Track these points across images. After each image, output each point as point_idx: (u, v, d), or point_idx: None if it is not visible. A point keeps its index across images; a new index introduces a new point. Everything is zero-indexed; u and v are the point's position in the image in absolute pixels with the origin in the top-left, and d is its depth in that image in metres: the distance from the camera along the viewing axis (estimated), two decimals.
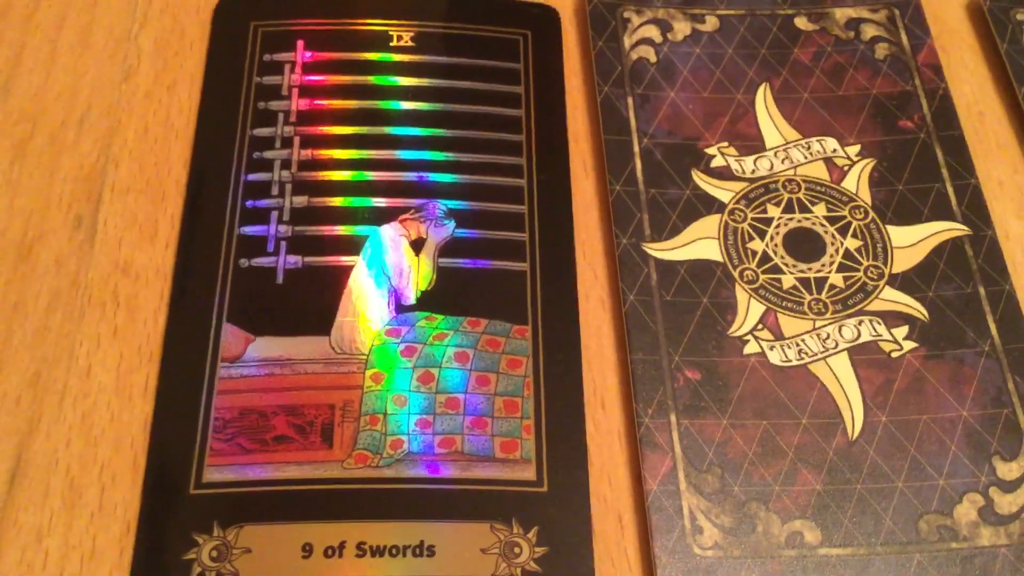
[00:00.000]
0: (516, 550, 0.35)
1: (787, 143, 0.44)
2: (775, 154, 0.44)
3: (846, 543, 0.36)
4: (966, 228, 0.42)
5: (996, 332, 0.40)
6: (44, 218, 0.41)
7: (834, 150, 0.44)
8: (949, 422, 0.38)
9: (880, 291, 0.41)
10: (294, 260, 0.40)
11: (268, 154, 0.43)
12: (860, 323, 0.40)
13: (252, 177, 0.42)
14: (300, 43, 0.46)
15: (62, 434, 0.37)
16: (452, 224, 0.42)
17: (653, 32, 0.47)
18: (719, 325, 0.40)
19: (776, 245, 0.42)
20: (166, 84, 0.45)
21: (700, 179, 0.43)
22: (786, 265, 0.41)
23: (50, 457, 0.37)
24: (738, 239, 0.42)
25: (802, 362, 0.39)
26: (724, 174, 0.44)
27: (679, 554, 0.36)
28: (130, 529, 0.35)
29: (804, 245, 0.42)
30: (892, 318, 0.40)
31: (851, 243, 0.42)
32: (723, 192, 0.43)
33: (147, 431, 0.37)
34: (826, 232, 0.42)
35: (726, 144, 0.44)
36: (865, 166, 0.44)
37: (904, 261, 0.42)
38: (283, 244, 0.41)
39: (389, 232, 0.42)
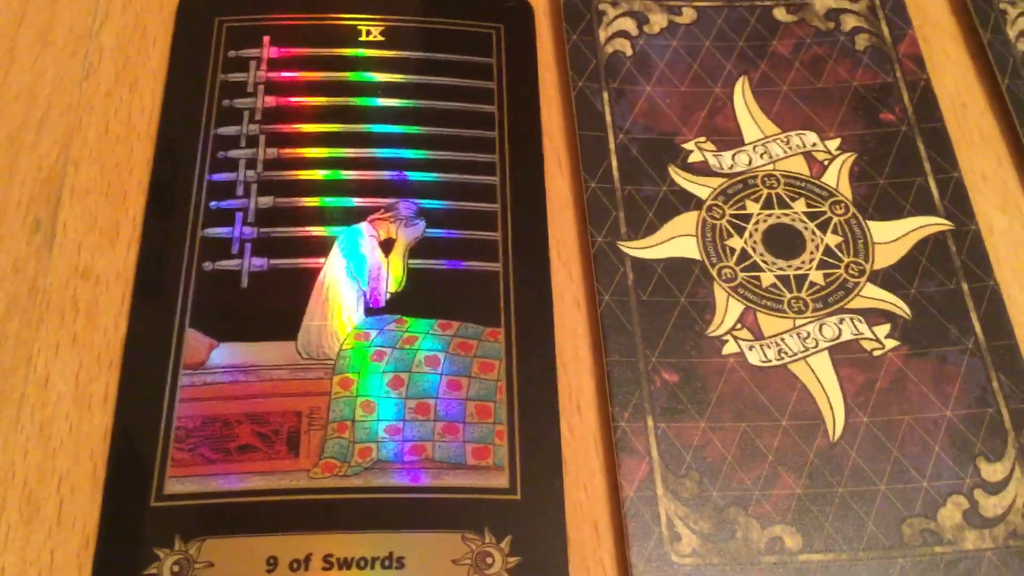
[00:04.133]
0: (489, 560, 0.34)
1: (766, 137, 0.43)
2: (754, 148, 0.43)
3: (828, 548, 0.35)
4: (949, 223, 0.41)
5: (980, 329, 0.39)
6: (1, 221, 0.40)
7: (814, 144, 0.43)
8: (932, 422, 0.37)
9: (861, 288, 0.40)
10: (260, 263, 0.39)
11: (233, 153, 0.41)
12: (841, 321, 0.39)
13: (216, 177, 0.41)
14: (266, 39, 0.44)
15: (19, 445, 0.36)
16: (422, 224, 0.41)
17: (629, 25, 0.46)
18: (697, 325, 0.39)
19: (755, 242, 0.41)
20: (128, 82, 0.44)
21: (677, 175, 0.42)
22: (765, 263, 0.40)
23: (7, 469, 0.35)
24: (716, 236, 0.41)
25: (782, 362, 0.38)
26: (702, 170, 0.43)
27: (657, 562, 0.35)
28: (89, 543, 0.34)
29: (784, 242, 0.41)
30: (874, 316, 0.39)
31: (831, 239, 0.41)
32: (701, 188, 0.42)
33: (107, 441, 0.36)
34: (806, 228, 0.41)
35: (704, 139, 0.43)
36: (846, 160, 0.43)
37: (886, 257, 0.41)
38: (248, 246, 0.39)
39: (359, 232, 0.40)
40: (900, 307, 0.40)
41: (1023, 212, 0.43)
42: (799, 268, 0.40)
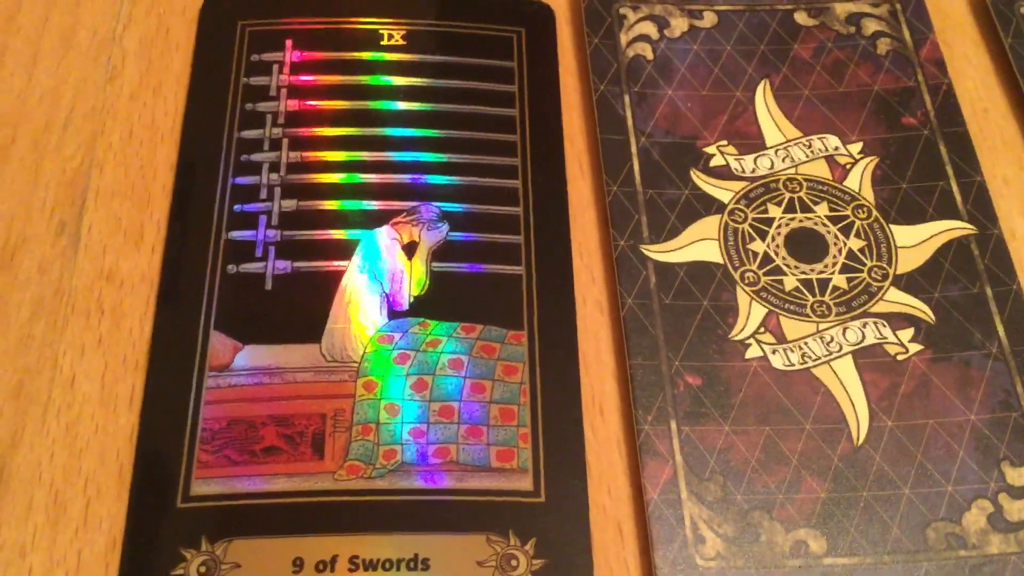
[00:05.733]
0: (513, 562, 0.34)
1: (788, 141, 0.43)
2: (776, 152, 0.43)
3: (852, 552, 0.35)
4: (972, 227, 0.41)
5: (1004, 333, 0.39)
6: (27, 224, 0.40)
7: (836, 148, 0.43)
8: (956, 426, 0.37)
9: (884, 292, 0.40)
10: (283, 265, 0.39)
11: (256, 157, 0.42)
12: (864, 325, 0.39)
13: (240, 180, 0.41)
14: (288, 42, 0.45)
15: (46, 446, 0.36)
16: (445, 227, 0.41)
17: (650, 29, 0.46)
18: (720, 329, 0.39)
19: (777, 246, 0.41)
20: (151, 86, 0.44)
21: (699, 179, 0.42)
22: (788, 266, 0.40)
23: (33, 470, 0.36)
24: (739, 240, 0.41)
25: (805, 366, 0.38)
26: (724, 173, 0.43)
27: (681, 565, 0.35)
28: (116, 544, 0.34)
29: (806, 246, 0.41)
30: (897, 320, 0.39)
31: (854, 243, 0.41)
32: (723, 192, 0.42)
33: (133, 442, 0.36)
34: (828, 232, 0.41)
35: (725, 143, 0.43)
36: (868, 164, 0.43)
37: (909, 261, 0.41)
38: (272, 249, 0.40)
39: (381, 236, 0.41)
40: (924, 311, 0.40)
41: None
42: (822, 272, 0.40)
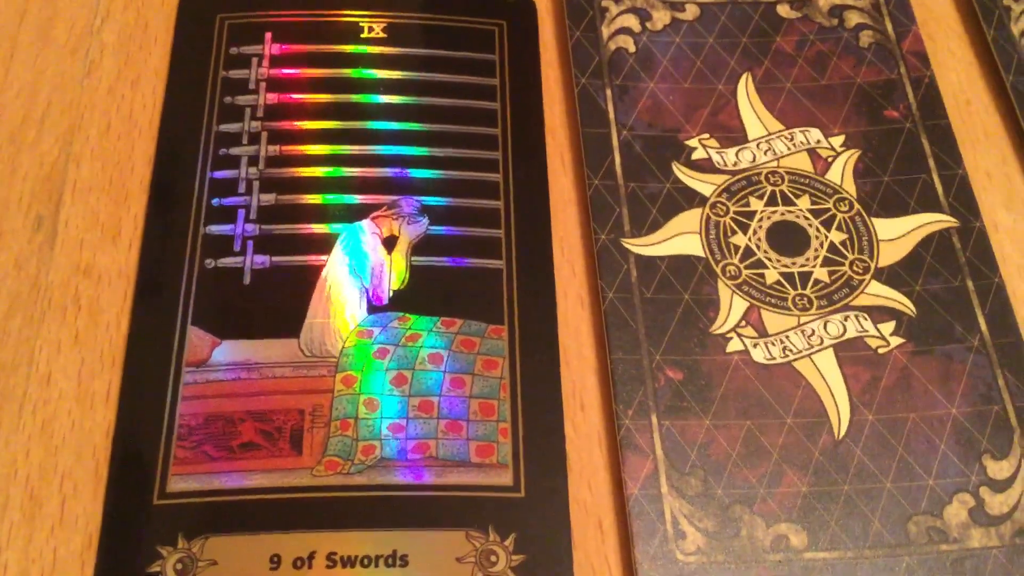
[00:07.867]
0: (493, 558, 0.34)
1: (770, 134, 0.43)
2: (757, 145, 0.43)
3: (833, 546, 0.35)
4: (954, 220, 0.41)
5: (985, 327, 0.39)
6: (3, 219, 0.40)
7: (818, 141, 0.43)
8: (938, 420, 0.37)
9: (866, 285, 0.40)
10: (262, 260, 0.39)
11: (235, 150, 0.41)
12: (846, 319, 0.39)
13: (218, 174, 0.41)
14: (268, 35, 0.44)
15: (21, 443, 0.36)
16: (426, 221, 0.40)
17: (632, 21, 0.46)
18: (701, 322, 0.39)
19: (759, 239, 0.41)
20: (129, 80, 0.43)
21: (681, 172, 0.42)
22: (769, 260, 0.40)
23: (9, 467, 0.35)
24: (720, 233, 0.41)
25: (786, 360, 0.38)
26: (705, 167, 0.42)
27: (661, 560, 0.34)
28: (92, 541, 0.34)
29: (788, 239, 0.41)
30: (878, 313, 0.39)
31: (836, 236, 0.41)
32: (704, 185, 0.42)
33: (110, 439, 0.36)
34: (810, 225, 0.41)
35: (707, 136, 0.43)
36: (850, 157, 0.43)
37: (890, 254, 0.41)
38: (250, 243, 0.39)
39: (361, 230, 0.40)
40: (905, 304, 0.39)
41: None
42: (803, 265, 0.40)
